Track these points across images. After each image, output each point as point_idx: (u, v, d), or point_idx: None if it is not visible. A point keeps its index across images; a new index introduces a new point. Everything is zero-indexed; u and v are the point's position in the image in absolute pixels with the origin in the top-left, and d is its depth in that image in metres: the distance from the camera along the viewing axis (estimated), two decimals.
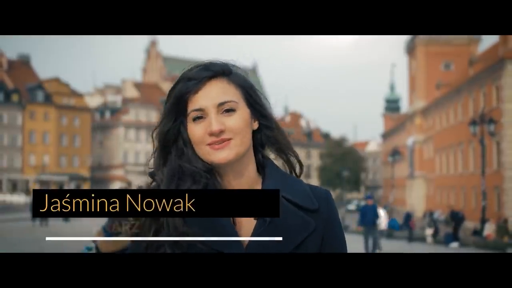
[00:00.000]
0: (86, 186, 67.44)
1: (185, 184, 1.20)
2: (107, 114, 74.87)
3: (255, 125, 1.27)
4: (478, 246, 20.12)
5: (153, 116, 74.38)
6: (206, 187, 1.20)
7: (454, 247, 20.50)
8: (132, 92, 78.86)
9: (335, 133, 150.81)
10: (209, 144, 1.20)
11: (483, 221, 23.79)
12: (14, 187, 63.16)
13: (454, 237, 21.51)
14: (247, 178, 1.25)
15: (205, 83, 1.22)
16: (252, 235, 1.19)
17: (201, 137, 1.20)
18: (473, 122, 26.13)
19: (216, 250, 1.16)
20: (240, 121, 1.21)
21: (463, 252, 18.72)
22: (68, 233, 19.75)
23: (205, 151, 1.20)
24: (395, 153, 50.79)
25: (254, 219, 1.20)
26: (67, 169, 67.76)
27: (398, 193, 65.35)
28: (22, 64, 69.59)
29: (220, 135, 1.19)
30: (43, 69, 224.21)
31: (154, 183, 1.25)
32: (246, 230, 1.20)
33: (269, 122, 1.29)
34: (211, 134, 1.19)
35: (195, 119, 1.21)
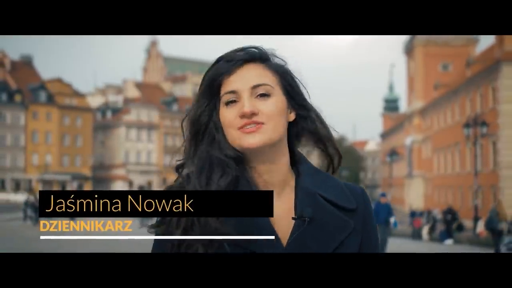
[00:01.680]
0: (88, 185, 67.54)
1: (215, 175, 1.13)
2: (109, 114, 74.89)
3: (292, 117, 1.20)
4: (471, 243, 20.85)
5: (154, 115, 74.44)
6: (236, 180, 1.14)
7: (448, 244, 21.03)
8: (133, 92, 78.88)
9: (334, 133, 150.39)
10: (240, 128, 1.13)
11: (476, 219, 24.27)
12: (17, 187, 63.27)
13: (448, 234, 21.92)
14: (279, 172, 1.18)
15: (240, 65, 1.16)
16: (291, 236, 1.14)
17: (232, 120, 1.13)
18: (467, 125, 26.76)
19: (252, 251, 1.10)
20: (274, 106, 1.14)
21: (458, 248, 19.21)
22: (66, 233, 19.72)
23: (235, 136, 1.14)
24: (393, 153, 50.76)
25: (293, 218, 1.15)
26: (69, 169, 67.83)
27: (397, 192, 65.36)
28: (25, 65, 69.63)
29: (251, 117, 1.12)
30: (45, 69, 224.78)
31: (180, 179, 1.18)
32: (284, 230, 1.15)
33: (307, 112, 1.21)
34: (243, 115, 1.12)
35: (228, 103, 1.15)
